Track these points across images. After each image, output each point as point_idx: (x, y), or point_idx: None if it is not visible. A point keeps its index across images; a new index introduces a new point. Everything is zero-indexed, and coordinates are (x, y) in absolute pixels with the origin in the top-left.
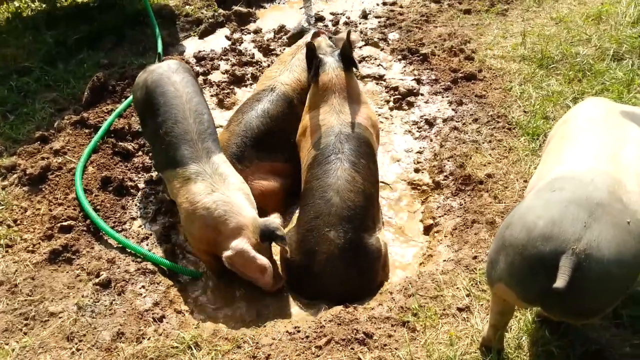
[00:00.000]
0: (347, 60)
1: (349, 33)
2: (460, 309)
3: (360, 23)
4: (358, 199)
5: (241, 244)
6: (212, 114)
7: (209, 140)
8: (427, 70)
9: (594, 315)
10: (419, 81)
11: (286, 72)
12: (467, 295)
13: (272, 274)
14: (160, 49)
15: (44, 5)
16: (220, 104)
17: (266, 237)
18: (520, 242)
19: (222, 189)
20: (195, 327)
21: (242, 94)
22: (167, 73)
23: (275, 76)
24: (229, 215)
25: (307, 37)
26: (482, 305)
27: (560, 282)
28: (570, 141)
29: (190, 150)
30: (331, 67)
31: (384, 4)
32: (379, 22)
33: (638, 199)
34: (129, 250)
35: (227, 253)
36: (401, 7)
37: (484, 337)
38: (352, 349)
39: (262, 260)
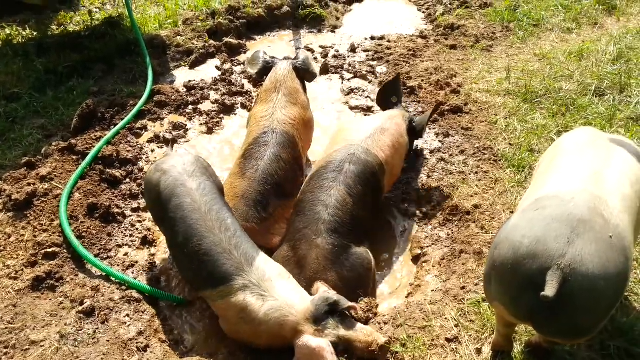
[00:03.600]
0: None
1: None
2: (448, 340)
3: (348, 56)
4: (346, 218)
5: (296, 342)
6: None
7: (243, 243)
8: (415, 103)
9: (584, 334)
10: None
11: (277, 111)
12: (456, 326)
13: (331, 351)
14: (150, 78)
15: (35, 33)
16: (209, 132)
17: (325, 316)
18: (508, 262)
19: (270, 293)
20: (180, 357)
21: (231, 123)
22: (182, 178)
23: (268, 116)
24: (282, 320)
25: (277, 71)
26: (470, 335)
27: (548, 291)
28: (556, 164)
29: (229, 263)
30: (400, 115)
31: (372, 38)
32: (367, 55)
33: (619, 214)
34: (114, 278)
35: None
36: (389, 41)
37: (493, 341)
38: None
39: (316, 343)
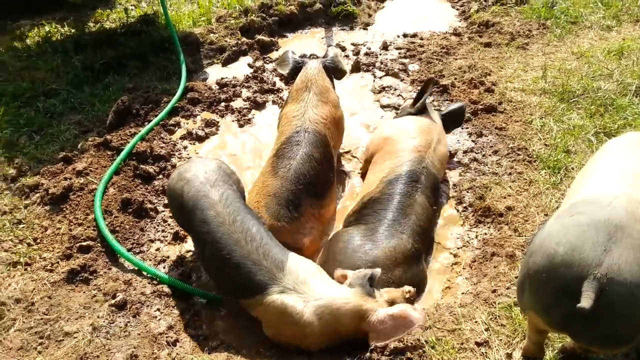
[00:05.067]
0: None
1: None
2: (478, 344)
3: (380, 54)
4: (427, 224)
5: (373, 319)
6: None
7: (271, 250)
8: (447, 102)
9: (623, 342)
10: (438, 112)
11: (309, 110)
12: (486, 330)
13: (416, 309)
14: (184, 75)
15: (72, 30)
16: (241, 129)
17: (373, 290)
18: (543, 270)
19: (309, 293)
20: (209, 353)
21: (262, 120)
22: (205, 189)
23: (300, 115)
24: (338, 313)
25: (307, 70)
26: (501, 340)
27: (585, 302)
28: (595, 166)
29: (261, 273)
30: (434, 112)
31: (405, 35)
32: (399, 53)
33: None
34: (146, 273)
35: (373, 340)
36: (421, 39)
37: (524, 348)
38: None
39: (397, 309)
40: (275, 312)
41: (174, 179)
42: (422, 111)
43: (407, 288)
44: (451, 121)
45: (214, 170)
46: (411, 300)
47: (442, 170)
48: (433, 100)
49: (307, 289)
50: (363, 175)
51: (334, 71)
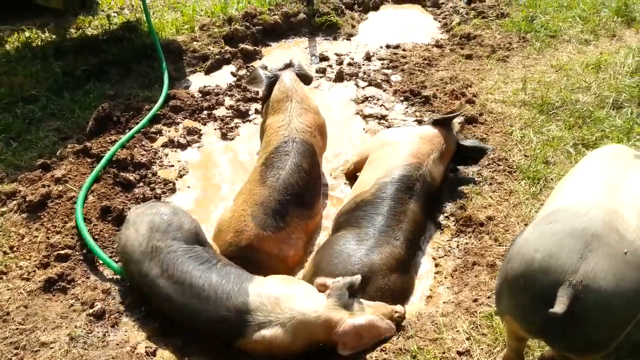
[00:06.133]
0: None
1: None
2: (460, 353)
3: (363, 64)
4: (417, 231)
5: (339, 330)
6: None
7: (231, 297)
8: (429, 112)
9: (596, 349)
10: (420, 122)
11: (293, 119)
12: (467, 339)
13: (379, 318)
14: (166, 83)
15: (53, 36)
16: (224, 137)
17: (351, 301)
18: (520, 276)
19: (283, 316)
20: None
21: (245, 129)
22: (144, 268)
23: (286, 125)
24: (308, 327)
25: (284, 81)
26: (482, 349)
27: (558, 307)
28: (574, 177)
29: (232, 323)
30: (453, 134)
31: (388, 47)
32: (382, 64)
33: (636, 229)
34: (125, 282)
35: (340, 350)
36: (404, 50)
37: (504, 356)
38: None
39: (364, 320)
40: (262, 346)
41: (119, 248)
42: (439, 125)
43: (397, 308)
44: (465, 151)
45: (147, 235)
46: (400, 319)
47: (439, 180)
48: (415, 111)
49: (280, 311)
50: (348, 176)
51: (303, 78)
